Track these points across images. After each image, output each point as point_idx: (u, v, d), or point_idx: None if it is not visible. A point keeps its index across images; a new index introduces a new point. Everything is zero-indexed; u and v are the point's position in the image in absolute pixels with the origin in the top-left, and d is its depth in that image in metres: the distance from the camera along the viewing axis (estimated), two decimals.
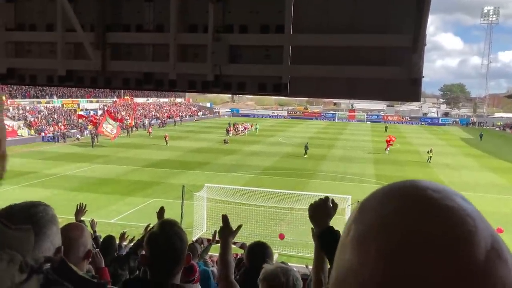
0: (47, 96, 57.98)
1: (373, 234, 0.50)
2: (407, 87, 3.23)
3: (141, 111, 72.08)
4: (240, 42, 3.59)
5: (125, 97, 74.98)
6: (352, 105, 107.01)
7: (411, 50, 3.14)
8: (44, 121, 51.47)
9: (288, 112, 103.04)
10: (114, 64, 3.87)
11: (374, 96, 3.62)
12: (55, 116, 54.18)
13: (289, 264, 3.63)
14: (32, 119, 50.58)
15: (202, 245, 9.39)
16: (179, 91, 4.39)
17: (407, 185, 0.54)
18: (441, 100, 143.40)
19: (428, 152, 39.57)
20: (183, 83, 3.80)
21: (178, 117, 76.74)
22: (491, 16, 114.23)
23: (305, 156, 39.20)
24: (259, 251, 3.37)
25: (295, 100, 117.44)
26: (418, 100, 3.33)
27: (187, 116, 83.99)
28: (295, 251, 15.66)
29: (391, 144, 44.85)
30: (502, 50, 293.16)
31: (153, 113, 75.16)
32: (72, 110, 58.64)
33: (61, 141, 46.30)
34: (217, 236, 3.91)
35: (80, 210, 5.21)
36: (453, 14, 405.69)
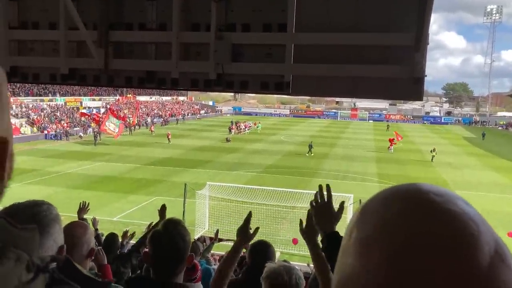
0: (50, 94, 58.09)
1: (375, 236, 0.50)
2: (409, 86, 3.23)
3: (144, 109, 72.15)
4: (243, 41, 3.60)
5: (128, 95, 74.94)
6: (354, 104, 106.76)
7: (413, 49, 3.13)
8: (47, 119, 51.59)
9: (290, 111, 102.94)
10: (117, 63, 3.88)
11: (376, 95, 3.61)
12: (58, 114, 54.28)
13: (291, 262, 3.62)
14: (35, 117, 50.67)
15: (204, 243, 9.39)
16: (181, 89, 4.39)
17: (409, 188, 0.54)
18: (444, 99, 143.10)
19: (431, 151, 39.39)
20: (185, 82, 3.81)
21: (180, 115, 76.80)
22: (494, 14, 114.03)
23: (312, 155, 39.10)
24: (261, 250, 3.37)
25: (297, 98, 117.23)
26: (420, 99, 3.32)
27: (190, 114, 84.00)
28: (297, 249, 15.64)
29: (395, 143, 44.75)
30: (505, 49, 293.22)
31: (155, 111, 75.21)
32: (75, 108, 58.68)
33: (63, 139, 46.38)
34: (221, 235, 3.90)
35: (82, 208, 5.23)
36: (456, 13, 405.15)
